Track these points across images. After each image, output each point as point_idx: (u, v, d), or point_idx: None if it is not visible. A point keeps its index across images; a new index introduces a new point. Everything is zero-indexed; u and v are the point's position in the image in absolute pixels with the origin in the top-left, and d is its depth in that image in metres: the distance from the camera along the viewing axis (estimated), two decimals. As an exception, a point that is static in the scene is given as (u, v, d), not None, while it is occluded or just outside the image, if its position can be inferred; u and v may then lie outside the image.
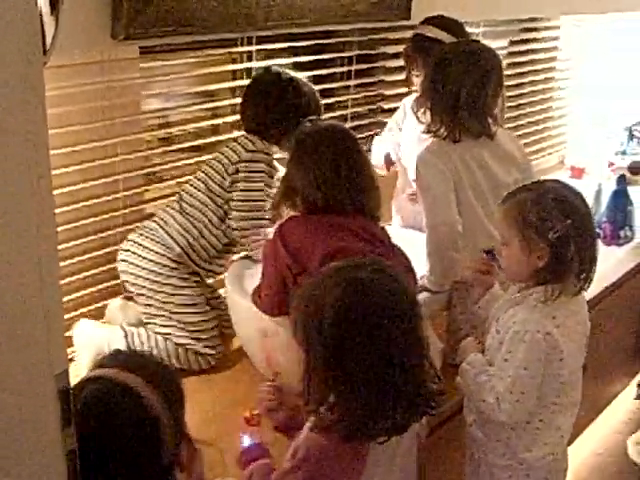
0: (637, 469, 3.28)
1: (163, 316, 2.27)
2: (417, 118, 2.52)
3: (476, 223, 2.34)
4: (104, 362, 1.29)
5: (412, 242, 2.41)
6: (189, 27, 2.16)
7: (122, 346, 2.21)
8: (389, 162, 2.84)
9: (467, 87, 2.28)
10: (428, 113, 2.39)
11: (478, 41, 2.71)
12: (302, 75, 2.74)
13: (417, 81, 2.68)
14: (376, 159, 2.81)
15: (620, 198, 3.77)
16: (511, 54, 3.93)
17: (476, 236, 2.32)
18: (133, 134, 2.35)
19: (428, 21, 2.67)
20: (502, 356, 1.87)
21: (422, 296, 2.30)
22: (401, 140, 2.89)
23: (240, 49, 2.59)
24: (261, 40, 2.60)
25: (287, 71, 2.46)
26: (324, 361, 1.41)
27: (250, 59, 2.64)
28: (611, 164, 3.83)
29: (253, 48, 2.62)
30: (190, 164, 2.57)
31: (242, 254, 2.45)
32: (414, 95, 2.73)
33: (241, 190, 2.31)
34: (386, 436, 1.44)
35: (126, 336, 2.24)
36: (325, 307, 1.42)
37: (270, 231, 2.13)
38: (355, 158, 2.05)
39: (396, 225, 2.94)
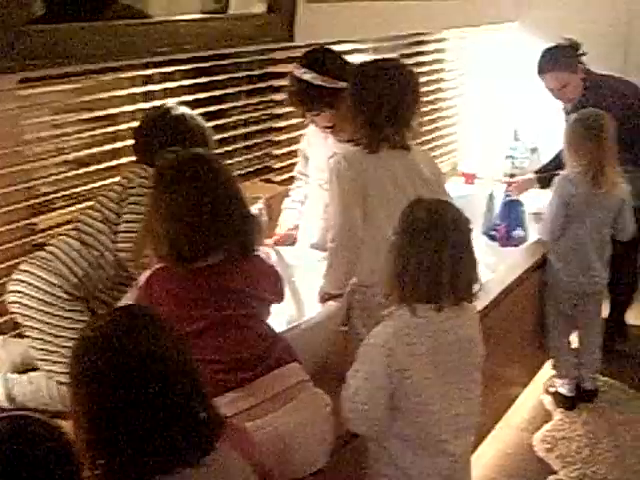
0: (544, 466, 3.35)
1: (53, 351, 2.20)
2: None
3: (380, 231, 2.41)
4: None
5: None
6: (67, 59, 2.14)
7: (1, 394, 2.17)
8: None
9: (388, 101, 2.39)
10: (351, 126, 2.47)
11: (396, 59, 2.77)
12: (193, 97, 2.78)
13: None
14: (281, 227, 2.97)
15: (512, 200, 3.88)
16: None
17: (379, 244, 2.37)
18: (16, 165, 2.31)
19: (308, 61, 2.73)
20: (353, 366, 1.95)
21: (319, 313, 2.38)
22: (309, 167, 2.98)
23: (128, 74, 2.57)
24: (149, 65, 2.59)
25: (179, 107, 2.46)
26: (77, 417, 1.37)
27: (135, 85, 2.63)
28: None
29: (140, 73, 2.61)
30: (89, 189, 2.55)
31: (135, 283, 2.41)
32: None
33: (128, 216, 2.28)
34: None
35: (6, 383, 2.19)
36: (70, 367, 1.39)
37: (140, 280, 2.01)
38: (221, 191, 1.90)
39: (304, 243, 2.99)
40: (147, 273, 1.95)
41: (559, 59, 3.82)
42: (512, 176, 3.94)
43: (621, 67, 4.22)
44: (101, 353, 1.35)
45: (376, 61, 2.55)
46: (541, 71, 3.87)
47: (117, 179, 2.39)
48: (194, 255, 1.88)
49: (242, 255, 1.95)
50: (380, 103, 2.39)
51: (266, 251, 2.55)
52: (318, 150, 2.88)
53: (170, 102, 2.53)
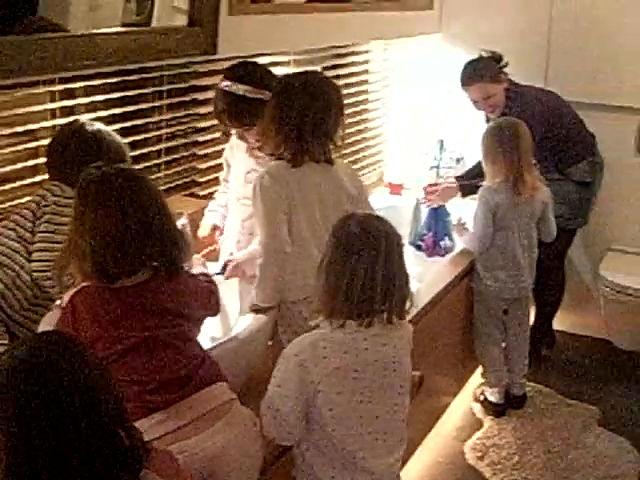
0: (476, 474, 3.37)
1: None
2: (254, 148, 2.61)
3: (305, 246, 2.43)
4: None
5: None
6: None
7: None
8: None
9: (312, 114, 2.38)
10: (272, 138, 2.45)
11: (320, 72, 2.76)
12: (113, 112, 2.72)
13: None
14: (202, 229, 2.93)
15: (438, 210, 3.92)
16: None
17: (304, 260, 2.39)
18: None
19: (234, 73, 2.69)
20: (272, 373, 1.97)
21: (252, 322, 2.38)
22: (231, 175, 2.94)
23: (45, 89, 2.51)
24: (64, 80, 2.53)
25: (93, 122, 2.43)
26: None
27: (54, 100, 2.57)
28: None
29: (56, 88, 2.55)
30: (14, 206, 2.47)
31: (57, 303, 2.35)
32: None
33: (42, 235, 2.23)
34: None
35: None
36: None
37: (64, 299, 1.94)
38: (147, 207, 1.87)
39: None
40: (70, 292, 1.90)
41: (482, 71, 3.86)
42: (436, 185, 3.97)
43: (542, 78, 4.30)
44: (19, 382, 1.30)
45: (299, 74, 2.55)
46: (464, 83, 3.90)
47: (33, 197, 2.33)
48: (119, 273, 1.85)
49: (170, 273, 1.92)
50: (304, 116, 2.39)
51: (200, 259, 2.55)
52: (239, 162, 2.86)
53: (84, 118, 2.48)
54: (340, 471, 1.98)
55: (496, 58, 3.90)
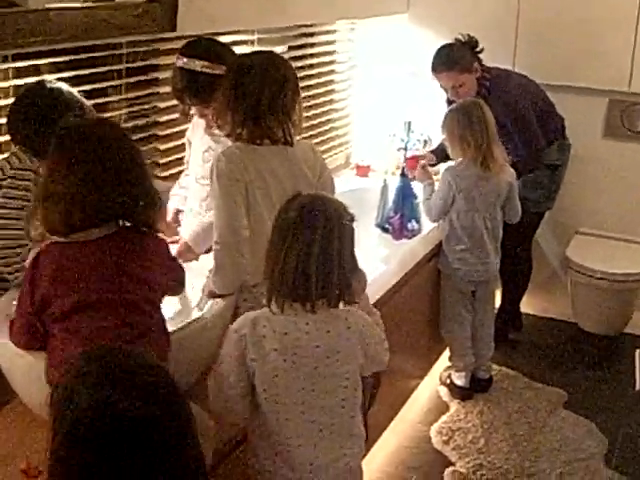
0: (441, 458, 3.36)
1: None
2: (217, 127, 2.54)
3: (263, 229, 2.36)
4: None
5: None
6: None
7: None
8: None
9: (267, 91, 2.35)
10: (229, 118, 2.40)
11: (270, 51, 2.72)
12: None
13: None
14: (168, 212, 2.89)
15: (405, 192, 3.88)
16: (290, 59, 3.93)
17: (263, 243, 2.32)
18: None
19: (191, 50, 2.65)
20: None
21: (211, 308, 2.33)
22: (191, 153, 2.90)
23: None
24: (19, 57, 2.45)
25: (53, 81, 2.37)
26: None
27: (7, 78, 2.49)
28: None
29: (10, 65, 2.47)
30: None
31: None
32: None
33: None
34: None
35: None
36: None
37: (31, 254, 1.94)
38: (124, 159, 1.84)
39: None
40: (36, 249, 1.89)
41: (454, 60, 3.79)
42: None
43: (510, 60, 4.26)
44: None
45: (252, 54, 2.53)
46: (434, 70, 3.84)
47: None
48: (84, 222, 1.81)
49: (137, 230, 1.89)
50: (261, 93, 2.35)
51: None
52: (197, 141, 2.82)
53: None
54: (279, 464, 1.95)
55: (472, 44, 3.83)
